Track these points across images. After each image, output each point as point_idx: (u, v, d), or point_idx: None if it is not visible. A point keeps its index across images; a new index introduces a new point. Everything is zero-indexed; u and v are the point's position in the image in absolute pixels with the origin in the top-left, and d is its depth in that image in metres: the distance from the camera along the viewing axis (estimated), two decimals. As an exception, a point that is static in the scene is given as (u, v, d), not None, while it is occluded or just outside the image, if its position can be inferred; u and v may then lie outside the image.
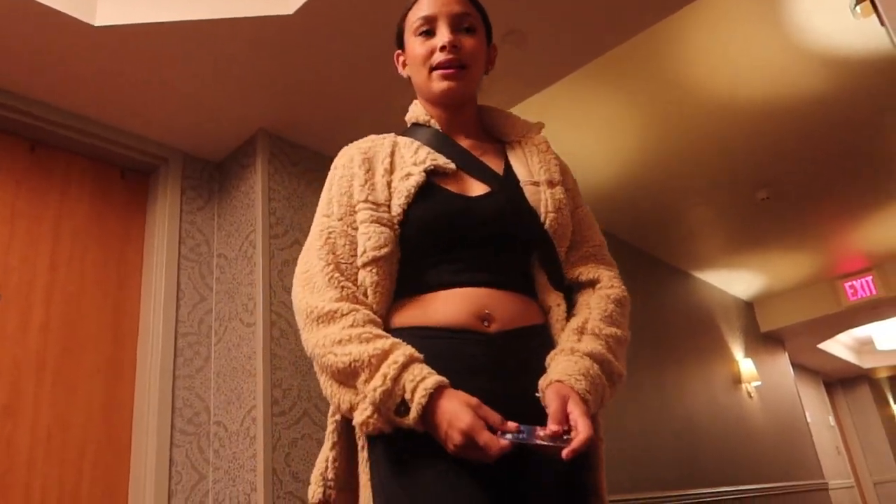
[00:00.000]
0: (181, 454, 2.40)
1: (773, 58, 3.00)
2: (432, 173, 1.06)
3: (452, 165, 1.08)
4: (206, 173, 2.87)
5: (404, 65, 1.19)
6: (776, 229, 4.97)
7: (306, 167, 2.81)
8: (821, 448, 7.25)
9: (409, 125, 1.20)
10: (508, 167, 1.14)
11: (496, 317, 1.01)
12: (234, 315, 2.56)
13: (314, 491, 1.01)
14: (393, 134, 1.17)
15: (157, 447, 2.32)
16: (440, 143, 1.12)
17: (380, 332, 0.96)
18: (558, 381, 0.94)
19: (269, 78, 2.40)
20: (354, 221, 1.05)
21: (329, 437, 1.03)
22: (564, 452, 0.83)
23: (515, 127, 1.20)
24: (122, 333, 2.51)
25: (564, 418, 0.88)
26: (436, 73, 1.10)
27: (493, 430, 0.86)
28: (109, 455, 2.33)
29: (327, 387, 0.97)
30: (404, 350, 0.92)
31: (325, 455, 1.03)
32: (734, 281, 6.00)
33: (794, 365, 7.24)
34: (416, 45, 1.13)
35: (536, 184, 1.10)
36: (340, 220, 1.06)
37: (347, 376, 0.93)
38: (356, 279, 1.02)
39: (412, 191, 1.03)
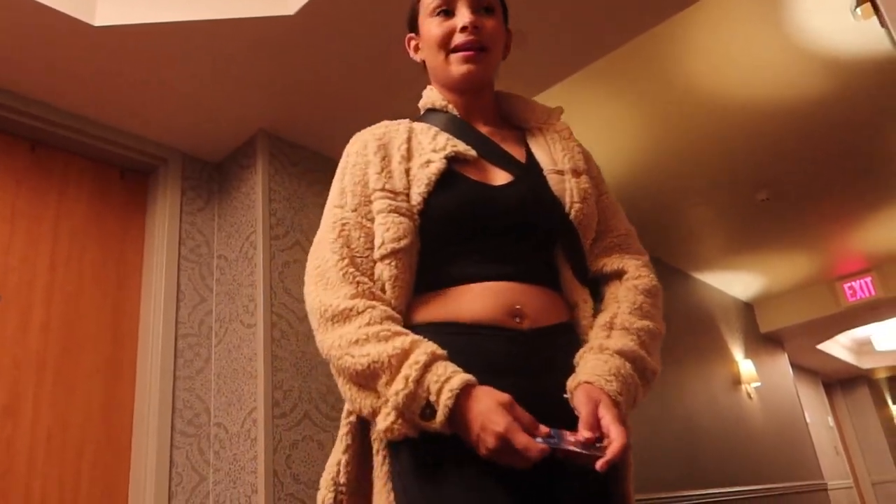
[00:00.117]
0: (181, 455, 2.39)
1: (774, 59, 2.99)
2: (453, 160, 1.00)
3: (473, 152, 1.02)
4: (206, 174, 2.87)
5: (416, 49, 1.14)
6: (776, 230, 4.97)
7: (306, 167, 2.81)
8: (820, 448, 7.25)
9: (422, 112, 1.14)
10: (530, 155, 1.08)
11: (527, 312, 0.95)
12: (235, 316, 2.56)
13: (324, 496, 0.94)
14: (408, 120, 1.10)
15: (157, 448, 2.32)
16: (459, 129, 1.06)
17: (399, 328, 0.89)
18: (587, 382, 0.88)
19: (268, 78, 2.40)
20: (370, 212, 0.98)
21: (342, 440, 0.96)
22: (599, 464, 0.77)
23: (535, 112, 1.14)
24: (122, 334, 2.50)
25: (596, 424, 0.83)
26: (455, 56, 1.05)
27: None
28: (109, 456, 2.33)
29: (346, 391, 0.90)
30: (425, 348, 0.85)
31: (337, 458, 0.96)
32: (734, 282, 6.00)
33: (793, 366, 7.24)
34: (432, 27, 1.07)
35: (561, 172, 1.04)
36: (354, 210, 0.99)
37: (367, 379, 0.86)
38: (372, 274, 0.95)
39: (433, 178, 0.97)
